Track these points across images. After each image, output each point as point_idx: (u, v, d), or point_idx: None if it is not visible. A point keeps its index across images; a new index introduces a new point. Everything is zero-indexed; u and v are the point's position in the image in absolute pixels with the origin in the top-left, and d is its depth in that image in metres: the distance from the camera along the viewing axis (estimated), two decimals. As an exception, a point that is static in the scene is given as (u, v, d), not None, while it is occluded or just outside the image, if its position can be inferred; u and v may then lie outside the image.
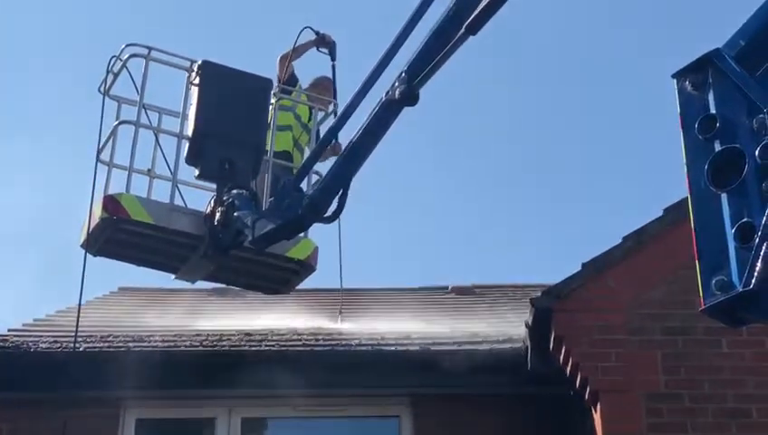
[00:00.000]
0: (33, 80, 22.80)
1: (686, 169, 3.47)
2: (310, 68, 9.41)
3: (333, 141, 7.17)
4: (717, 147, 3.40)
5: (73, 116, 19.92)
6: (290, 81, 9.00)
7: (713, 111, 3.44)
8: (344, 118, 6.03)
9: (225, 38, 20.66)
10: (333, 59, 8.95)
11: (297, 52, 8.92)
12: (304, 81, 9.39)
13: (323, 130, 7.79)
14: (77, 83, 20.83)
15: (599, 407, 7.45)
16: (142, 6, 22.72)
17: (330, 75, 9.15)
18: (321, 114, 8.40)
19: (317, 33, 8.84)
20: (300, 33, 8.80)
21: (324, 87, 9.09)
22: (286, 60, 8.92)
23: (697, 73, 3.50)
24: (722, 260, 3.28)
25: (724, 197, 3.33)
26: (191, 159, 7.05)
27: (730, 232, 3.28)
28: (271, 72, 8.71)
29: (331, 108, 8.24)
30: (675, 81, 3.56)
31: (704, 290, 3.32)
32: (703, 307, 3.33)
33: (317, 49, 9.00)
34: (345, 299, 11.52)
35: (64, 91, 20.98)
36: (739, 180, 3.30)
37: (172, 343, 8.87)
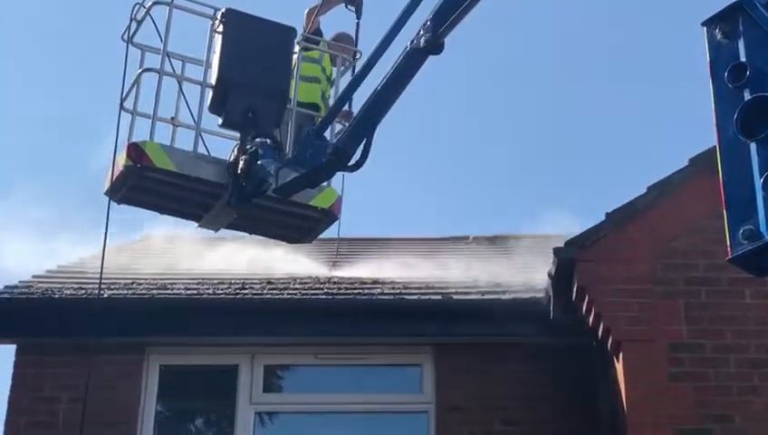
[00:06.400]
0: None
1: (714, 118, 3.44)
2: (330, 26, 9.39)
3: (347, 107, 7.14)
4: (747, 96, 3.38)
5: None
6: (314, 35, 8.98)
7: (743, 59, 3.41)
8: (368, 67, 6.01)
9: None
10: (359, 17, 8.91)
11: (326, 5, 8.90)
12: (325, 37, 9.37)
13: (344, 83, 7.77)
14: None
15: (621, 357, 7.45)
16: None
17: (350, 33, 9.11)
18: (343, 66, 8.36)
19: None
20: None
21: (345, 42, 9.07)
22: (314, 13, 8.90)
23: (727, 21, 3.47)
24: (750, 210, 3.27)
25: (753, 146, 3.31)
26: (215, 108, 7.05)
27: (759, 181, 3.26)
28: (294, 24, 8.66)
29: (357, 56, 8.19)
30: (704, 29, 3.53)
31: (731, 239, 3.31)
32: (729, 256, 3.33)
33: (345, 6, 8.97)
34: (368, 248, 11.55)
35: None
36: (769, 129, 3.28)
37: (195, 291, 8.93)
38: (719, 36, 3.48)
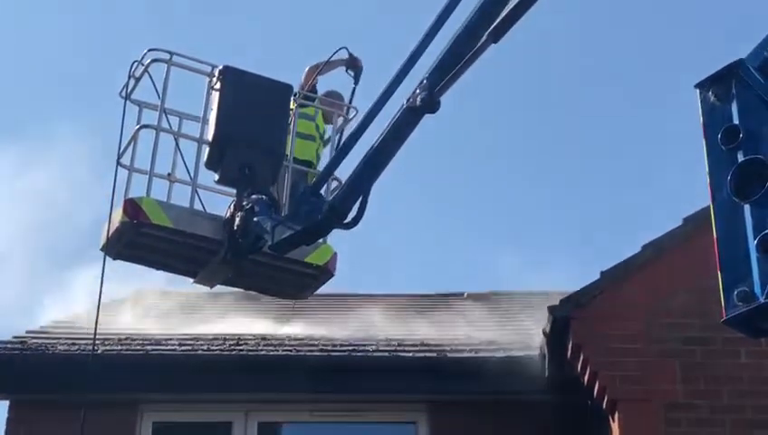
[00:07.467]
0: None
1: (708, 180, 3.47)
2: (326, 86, 9.48)
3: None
4: (740, 157, 3.40)
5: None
6: (310, 92, 9.05)
7: (736, 121, 3.44)
8: (364, 125, 6.03)
9: (244, 46, 20.68)
10: (356, 83, 9.00)
11: (329, 66, 8.99)
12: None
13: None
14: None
15: (617, 416, 7.42)
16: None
17: (339, 91, 9.19)
18: (339, 120, 8.40)
19: (350, 54, 8.91)
20: (336, 51, 8.86)
21: (334, 99, 9.14)
22: (315, 71, 8.98)
23: (720, 84, 3.51)
24: (744, 271, 3.28)
25: (746, 207, 3.33)
26: (211, 164, 7.07)
27: (753, 243, 3.28)
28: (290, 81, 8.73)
29: (352, 113, 8.23)
30: (698, 91, 3.56)
31: (725, 301, 3.32)
32: (724, 318, 3.34)
33: (345, 70, 9.05)
34: (363, 305, 11.53)
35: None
36: (762, 191, 3.30)
37: (190, 347, 8.89)
38: (712, 99, 3.51)
